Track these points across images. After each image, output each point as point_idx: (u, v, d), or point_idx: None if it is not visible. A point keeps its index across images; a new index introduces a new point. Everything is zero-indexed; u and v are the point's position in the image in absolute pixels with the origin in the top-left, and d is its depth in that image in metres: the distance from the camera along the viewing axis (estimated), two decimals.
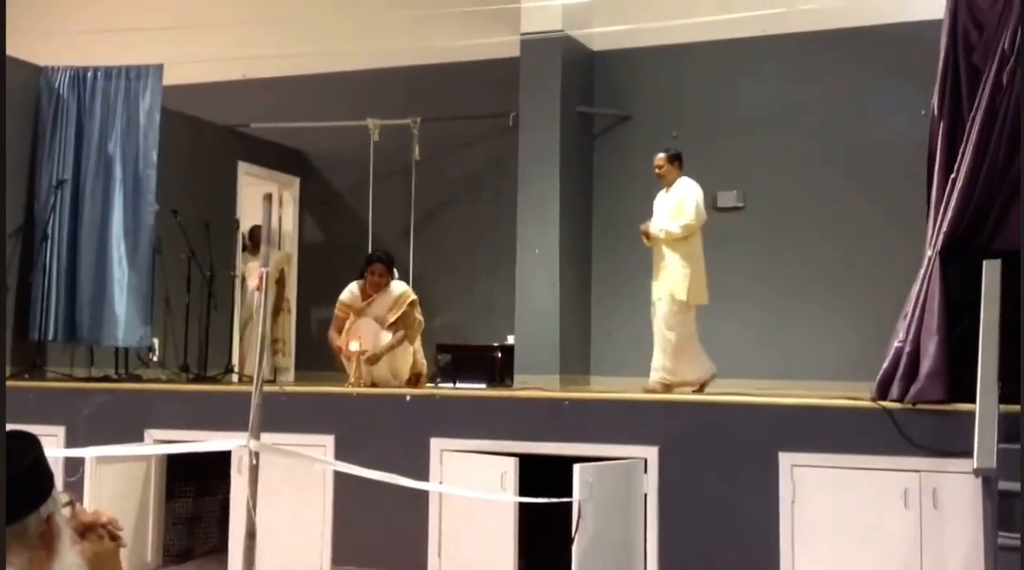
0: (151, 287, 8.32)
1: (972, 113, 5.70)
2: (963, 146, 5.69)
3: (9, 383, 7.65)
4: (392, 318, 7.49)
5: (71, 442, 6.94)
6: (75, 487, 6.42)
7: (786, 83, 9.46)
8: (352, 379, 7.20)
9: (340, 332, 7.45)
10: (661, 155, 7.59)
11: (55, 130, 8.45)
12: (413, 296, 7.65)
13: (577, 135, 9.79)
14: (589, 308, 9.83)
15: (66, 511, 2.17)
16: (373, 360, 7.35)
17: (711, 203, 9.53)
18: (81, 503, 2.36)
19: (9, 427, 2.11)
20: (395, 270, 7.75)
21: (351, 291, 7.60)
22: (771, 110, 9.47)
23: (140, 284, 8.23)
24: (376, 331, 7.43)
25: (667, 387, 7.26)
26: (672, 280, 7.35)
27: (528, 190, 9.47)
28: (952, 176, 5.71)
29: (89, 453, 6.31)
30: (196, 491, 7.47)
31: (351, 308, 7.52)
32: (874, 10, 8.87)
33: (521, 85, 9.60)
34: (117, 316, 8.16)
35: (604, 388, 8.65)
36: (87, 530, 2.27)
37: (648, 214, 9.77)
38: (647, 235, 7.57)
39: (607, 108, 10.02)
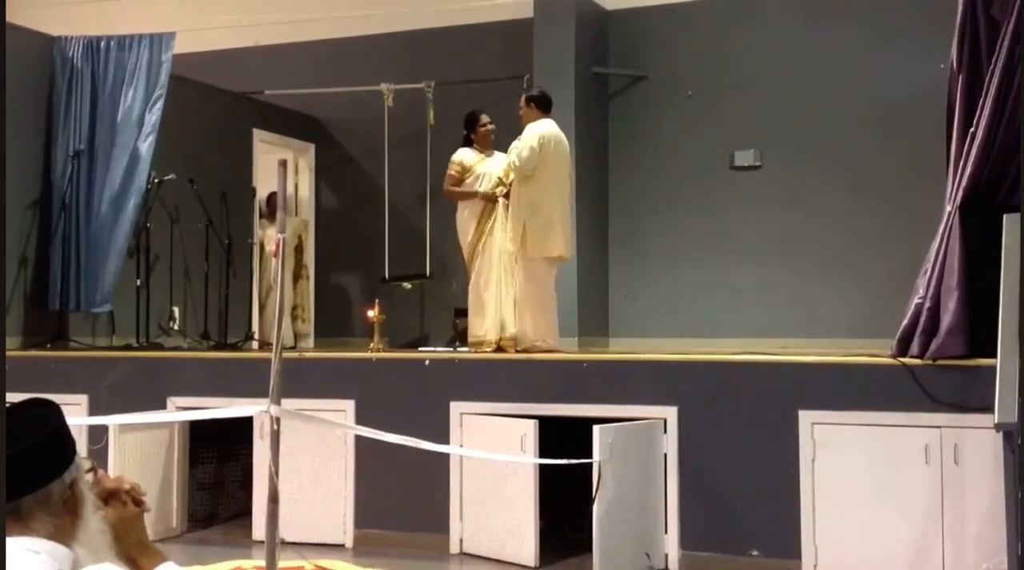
0: (123, 255, 8.29)
1: (991, 66, 5.63)
2: (982, 100, 5.62)
3: (31, 353, 7.72)
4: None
5: (94, 411, 7.01)
6: (99, 455, 6.47)
7: (803, 39, 9.36)
8: (372, 345, 7.22)
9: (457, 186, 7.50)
10: (523, 97, 7.41)
11: (70, 100, 8.45)
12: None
13: (592, 96, 9.72)
14: (607, 269, 9.81)
15: (88, 477, 2.19)
16: None
17: (728, 162, 9.53)
18: (104, 470, 2.38)
19: (31, 396, 2.13)
20: None
21: (462, 153, 7.58)
22: (788, 67, 9.37)
23: (118, 250, 8.21)
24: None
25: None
26: (511, 230, 7.12)
27: None
28: (972, 130, 5.64)
29: (112, 421, 6.36)
30: (219, 457, 7.55)
31: (462, 165, 7.53)
32: None
33: (535, 46, 9.52)
34: (101, 281, 8.18)
35: (623, 349, 8.66)
36: (110, 496, 2.29)
37: (665, 174, 9.77)
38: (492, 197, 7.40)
39: (622, 68, 9.94)
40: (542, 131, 7.13)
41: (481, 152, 7.60)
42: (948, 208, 5.72)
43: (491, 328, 7.28)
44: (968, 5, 5.78)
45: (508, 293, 7.26)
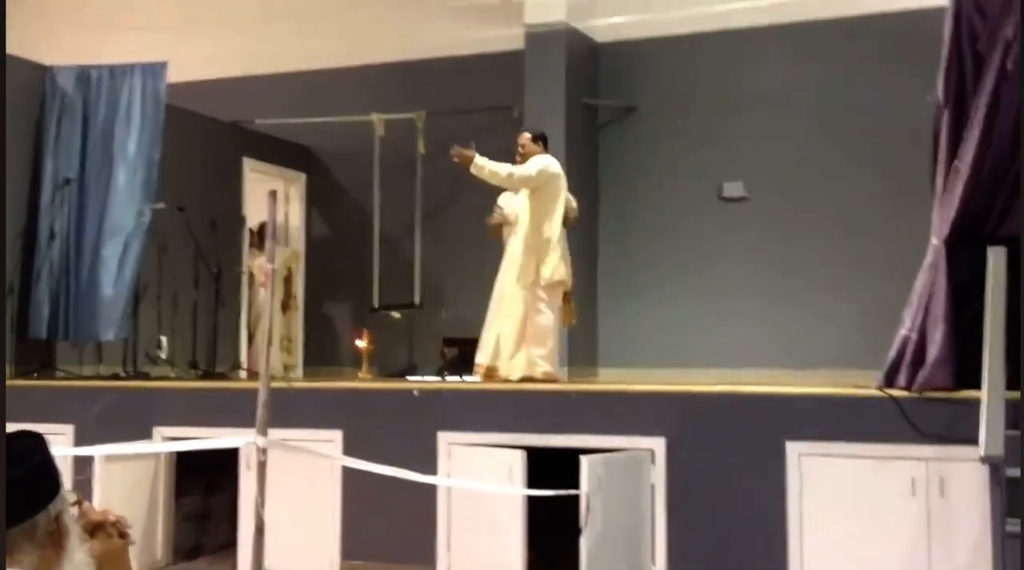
0: (137, 282, 8.30)
1: (976, 100, 5.69)
2: (968, 133, 5.68)
3: (18, 382, 7.68)
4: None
5: (80, 440, 6.97)
6: (85, 485, 6.45)
7: (791, 72, 9.43)
8: (361, 375, 7.22)
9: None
10: (526, 134, 7.42)
11: (60, 129, 8.46)
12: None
13: (582, 126, 9.78)
14: (596, 299, 9.83)
15: (74, 510, 2.19)
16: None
17: (716, 193, 9.58)
18: (90, 501, 2.39)
19: (18, 427, 2.13)
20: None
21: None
22: (776, 99, 9.44)
23: (127, 279, 8.21)
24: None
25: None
26: (524, 260, 7.20)
27: None
28: (957, 163, 5.69)
29: (98, 452, 6.33)
30: (205, 488, 7.51)
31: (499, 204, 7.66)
32: None
33: (525, 77, 9.58)
34: (104, 312, 8.16)
35: (612, 379, 8.66)
36: (96, 529, 2.29)
37: (654, 204, 9.81)
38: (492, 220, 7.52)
39: (612, 99, 10.01)
40: (555, 164, 7.28)
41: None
42: (934, 240, 5.75)
43: (486, 354, 7.35)
44: (954, 40, 5.84)
45: (510, 323, 7.30)
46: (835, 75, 9.26)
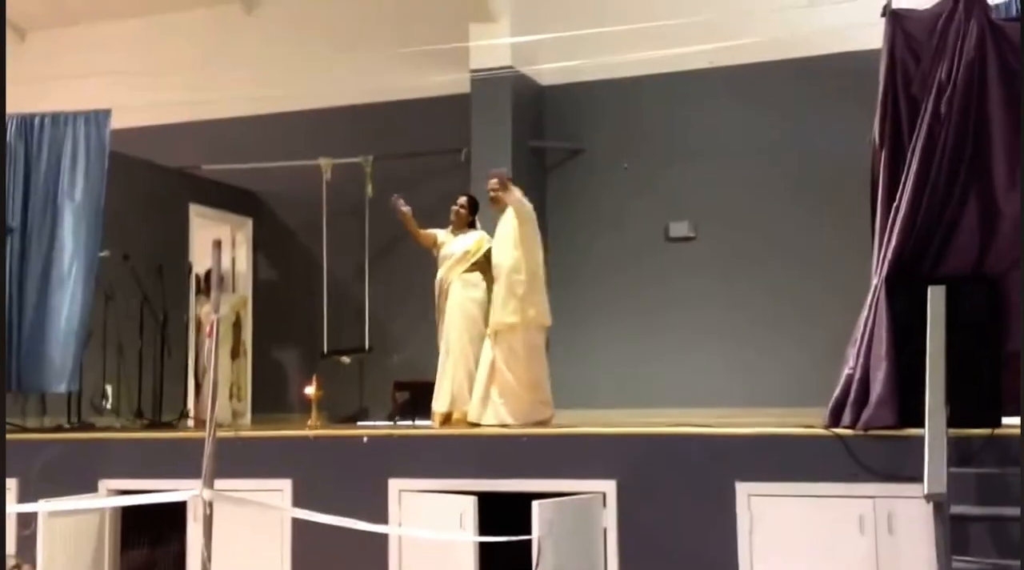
0: (86, 332, 8.19)
1: (912, 143, 5.82)
2: (904, 175, 5.80)
3: None
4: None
5: (24, 494, 6.84)
6: (29, 540, 6.32)
7: (735, 114, 9.57)
8: (310, 422, 7.15)
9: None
10: (494, 181, 7.47)
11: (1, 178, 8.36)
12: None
13: (529, 169, 9.84)
14: (547, 341, 9.82)
15: None
16: None
17: (663, 233, 9.67)
18: (34, 554, 2.36)
19: None
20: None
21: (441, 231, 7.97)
22: (721, 140, 9.57)
23: (75, 329, 8.09)
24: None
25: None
26: (513, 303, 7.21)
27: (482, 225, 9.49)
28: (895, 205, 5.81)
29: (41, 509, 6.21)
30: (151, 540, 7.38)
31: (435, 237, 7.92)
32: (819, 41, 9.02)
33: (472, 121, 9.65)
34: (54, 362, 8.03)
35: (564, 421, 8.66)
36: None
37: (602, 246, 9.87)
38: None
39: (558, 142, 10.09)
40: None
41: (452, 232, 7.91)
42: (875, 280, 5.85)
43: (443, 402, 7.40)
44: (889, 84, 5.99)
45: (471, 367, 7.33)
46: (779, 116, 9.42)
